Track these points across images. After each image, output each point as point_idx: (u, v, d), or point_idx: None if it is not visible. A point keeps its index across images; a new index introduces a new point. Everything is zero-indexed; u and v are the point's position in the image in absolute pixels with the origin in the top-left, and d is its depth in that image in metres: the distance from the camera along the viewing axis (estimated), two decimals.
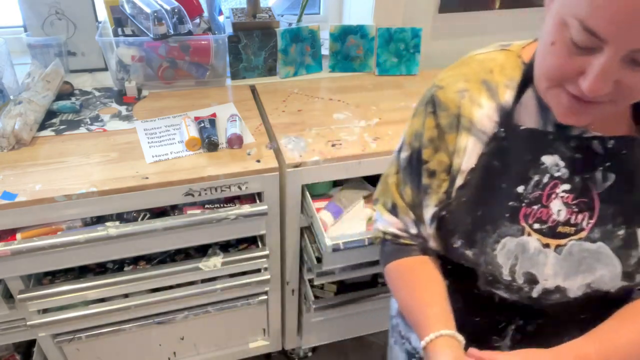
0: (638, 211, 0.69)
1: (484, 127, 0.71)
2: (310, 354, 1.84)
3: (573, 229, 0.70)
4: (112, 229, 1.13)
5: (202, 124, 1.27)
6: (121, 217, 1.20)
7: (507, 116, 0.70)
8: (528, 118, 0.70)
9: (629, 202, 0.69)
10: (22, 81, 1.39)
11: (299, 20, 1.61)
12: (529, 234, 0.70)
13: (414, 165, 0.79)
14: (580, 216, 0.69)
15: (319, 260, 1.31)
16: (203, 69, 1.48)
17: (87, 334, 1.33)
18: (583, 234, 0.70)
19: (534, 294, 0.73)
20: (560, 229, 0.70)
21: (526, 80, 0.69)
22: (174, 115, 1.36)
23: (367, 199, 1.41)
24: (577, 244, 0.70)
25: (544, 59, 0.61)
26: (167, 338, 1.46)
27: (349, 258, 1.26)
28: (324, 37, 1.62)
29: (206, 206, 1.24)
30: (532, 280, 0.72)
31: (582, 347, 0.68)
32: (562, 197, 0.69)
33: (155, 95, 1.47)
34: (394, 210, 0.83)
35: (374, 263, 1.32)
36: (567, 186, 0.69)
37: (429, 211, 0.78)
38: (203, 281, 1.33)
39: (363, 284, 1.53)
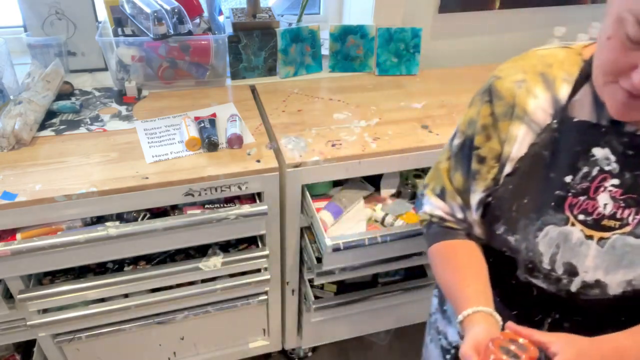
0: None
1: (537, 118, 0.73)
2: (310, 354, 1.84)
3: (618, 223, 0.70)
4: (112, 229, 1.13)
5: (202, 124, 1.27)
6: (121, 217, 1.20)
7: (561, 109, 0.71)
8: (582, 112, 0.71)
9: None
10: (22, 81, 1.39)
11: (299, 20, 1.61)
12: (573, 224, 0.71)
13: (465, 152, 0.81)
14: (627, 211, 0.70)
15: (319, 260, 1.31)
16: (203, 69, 1.48)
17: (87, 334, 1.33)
18: (628, 229, 0.70)
19: (573, 288, 0.73)
20: (605, 222, 0.70)
21: (584, 76, 0.71)
22: (174, 115, 1.36)
23: (367, 199, 1.41)
24: (621, 238, 0.70)
25: (601, 54, 0.63)
26: (167, 338, 1.46)
27: (349, 258, 1.26)
28: (324, 37, 1.62)
29: (206, 206, 1.24)
30: (571, 271, 0.72)
31: (621, 339, 0.68)
32: (610, 190, 0.70)
33: (155, 95, 1.47)
34: (442, 195, 0.86)
35: (374, 263, 1.32)
36: (616, 181, 0.70)
37: (475, 197, 0.80)
38: (203, 281, 1.33)
39: (363, 284, 1.53)
